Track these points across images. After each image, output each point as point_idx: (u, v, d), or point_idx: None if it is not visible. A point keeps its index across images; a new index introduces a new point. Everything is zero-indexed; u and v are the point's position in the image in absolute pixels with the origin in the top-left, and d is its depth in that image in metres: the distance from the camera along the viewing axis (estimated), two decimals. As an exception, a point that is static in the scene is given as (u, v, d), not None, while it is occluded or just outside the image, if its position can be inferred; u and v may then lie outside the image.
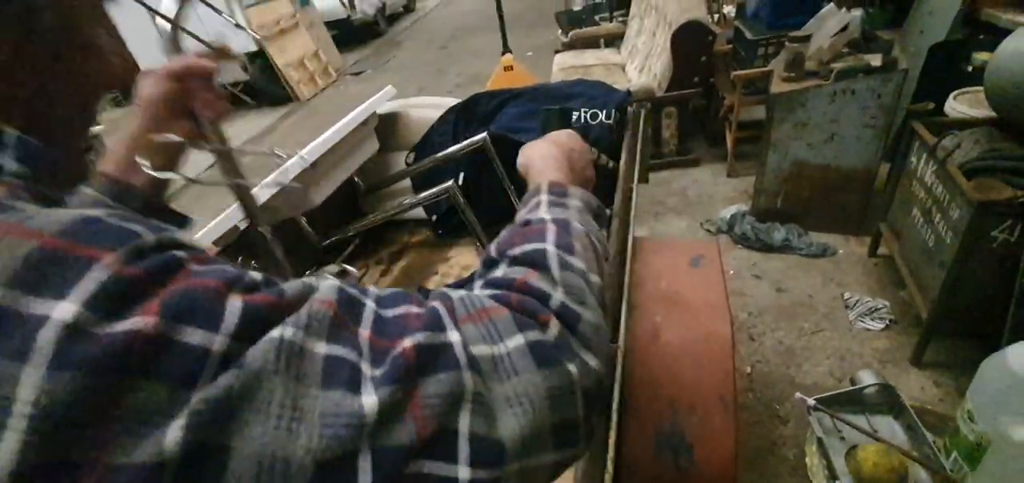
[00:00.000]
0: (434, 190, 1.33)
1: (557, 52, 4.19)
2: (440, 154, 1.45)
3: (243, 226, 1.30)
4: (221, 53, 0.67)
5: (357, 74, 7.55)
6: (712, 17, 3.46)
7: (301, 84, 6.76)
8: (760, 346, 1.93)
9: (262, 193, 1.16)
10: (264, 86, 6.64)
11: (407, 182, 1.65)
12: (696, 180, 3.05)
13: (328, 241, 1.50)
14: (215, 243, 1.27)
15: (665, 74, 2.90)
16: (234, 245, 1.28)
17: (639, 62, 3.40)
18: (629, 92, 1.45)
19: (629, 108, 1.39)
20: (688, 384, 0.81)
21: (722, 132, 3.08)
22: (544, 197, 0.51)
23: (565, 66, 3.72)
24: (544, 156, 0.62)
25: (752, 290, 2.19)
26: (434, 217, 1.63)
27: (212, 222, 1.24)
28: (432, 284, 1.46)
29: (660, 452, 0.77)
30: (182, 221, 0.67)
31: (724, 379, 0.83)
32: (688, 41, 2.77)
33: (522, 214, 0.50)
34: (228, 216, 1.23)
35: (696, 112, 3.34)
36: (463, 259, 1.58)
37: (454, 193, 1.30)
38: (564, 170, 0.60)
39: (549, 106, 1.34)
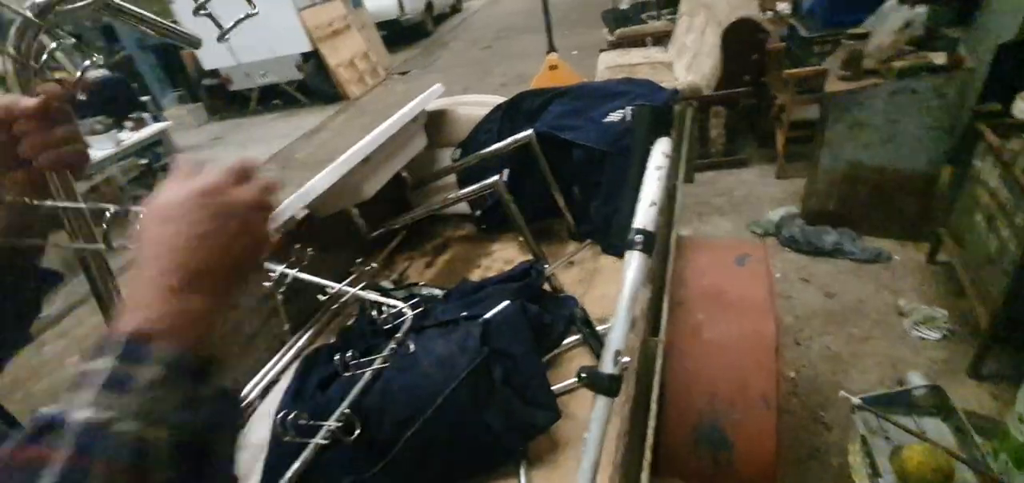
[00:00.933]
0: (479, 185, 1.37)
1: (602, 51, 4.17)
2: (485, 151, 1.50)
3: (300, 216, 1.39)
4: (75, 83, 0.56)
5: (404, 74, 7.74)
6: (764, 14, 3.37)
7: (350, 83, 6.99)
8: (806, 351, 1.88)
9: (321, 182, 1.23)
10: (317, 85, 6.92)
11: (452, 178, 1.71)
12: (743, 181, 2.98)
13: (376, 233, 1.57)
14: (276, 230, 1.36)
15: (714, 73, 2.85)
16: (294, 232, 1.37)
17: (687, 60, 3.35)
18: (676, 90, 1.45)
19: (675, 106, 1.39)
20: (729, 381, 0.82)
21: (772, 132, 3.00)
22: (103, 364, 0.35)
23: (610, 65, 3.70)
24: (158, 240, 0.41)
25: (799, 294, 2.14)
26: (478, 212, 1.67)
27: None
28: (475, 276, 1.51)
29: (698, 445, 0.78)
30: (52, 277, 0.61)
31: (767, 378, 0.83)
32: (739, 39, 2.72)
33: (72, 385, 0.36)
34: (287, 206, 1.32)
35: (745, 112, 3.27)
36: (506, 254, 1.62)
37: (500, 188, 1.34)
38: (185, 269, 0.40)
39: (642, 102, 1.34)
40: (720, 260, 1.06)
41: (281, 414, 0.92)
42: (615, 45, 4.23)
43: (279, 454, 0.92)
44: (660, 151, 1.01)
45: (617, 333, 0.59)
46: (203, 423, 0.38)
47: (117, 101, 4.61)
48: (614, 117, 1.40)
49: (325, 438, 0.89)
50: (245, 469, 0.95)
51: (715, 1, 3.05)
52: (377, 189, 1.41)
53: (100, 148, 3.97)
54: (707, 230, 2.67)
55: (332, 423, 0.88)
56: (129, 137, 4.21)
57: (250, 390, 1.25)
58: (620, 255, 1.41)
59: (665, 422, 0.74)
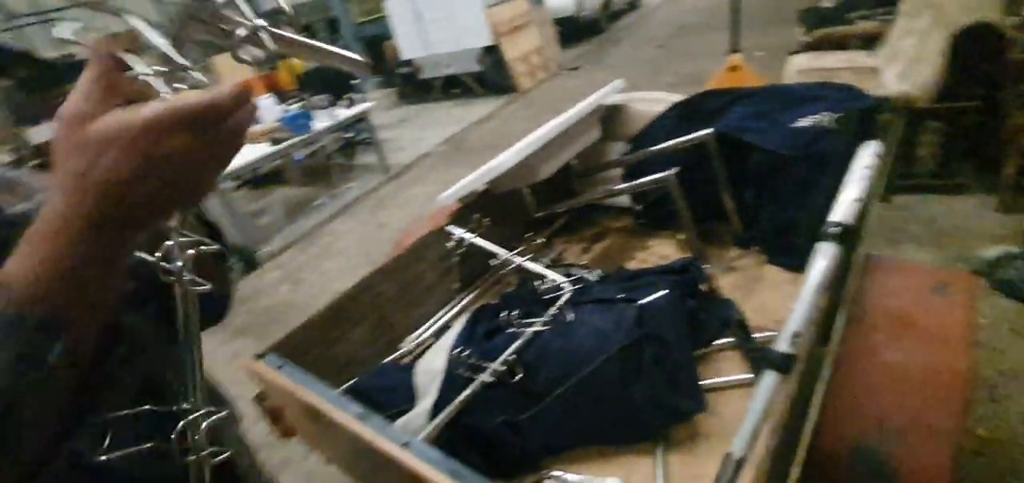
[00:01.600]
0: (650, 178, 1.41)
1: (792, 54, 3.82)
2: (658, 147, 1.53)
3: (481, 189, 1.58)
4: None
5: (573, 70, 7.92)
6: (1008, 19, 2.78)
7: (523, 77, 7.39)
8: (1003, 411, 1.58)
9: (505, 161, 1.38)
10: (492, 77, 7.45)
11: (617, 171, 1.77)
12: (954, 210, 2.53)
13: (541, 213, 1.70)
14: (460, 201, 1.57)
15: (933, 82, 2.45)
16: (473, 204, 1.56)
17: (900, 67, 2.91)
18: (885, 98, 1.32)
19: (882, 116, 1.27)
20: (904, 410, 0.76)
21: (999, 157, 2.49)
22: None
23: (803, 69, 3.37)
24: (88, 169, 0.37)
25: (1008, 347, 1.79)
26: (640, 207, 1.71)
27: (458, 184, 1.54)
28: (629, 267, 1.56)
29: (854, 466, 0.74)
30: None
31: (950, 418, 0.75)
32: (972, 47, 2.30)
33: None
34: (473, 180, 1.51)
35: (967, 130, 2.75)
36: (662, 250, 1.64)
37: (672, 183, 1.36)
38: (105, 217, 0.38)
39: (846, 107, 1.28)
40: (914, 285, 0.96)
41: (457, 350, 1.10)
42: (810, 47, 3.83)
43: (451, 383, 1.10)
44: (869, 152, 0.96)
45: (798, 314, 0.61)
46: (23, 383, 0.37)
47: (336, 82, 5.55)
48: (804, 122, 1.32)
49: (491, 376, 1.03)
50: (423, 389, 1.14)
51: (945, 1, 2.61)
52: (551, 173, 1.52)
53: (321, 121, 4.80)
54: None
55: (498, 365, 1.03)
56: (343, 113, 5.02)
57: (425, 330, 1.48)
58: (789, 266, 1.35)
59: (821, 433, 0.72)
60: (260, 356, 1.11)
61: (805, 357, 0.69)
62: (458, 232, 1.37)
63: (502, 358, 1.03)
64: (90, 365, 0.42)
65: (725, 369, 1.15)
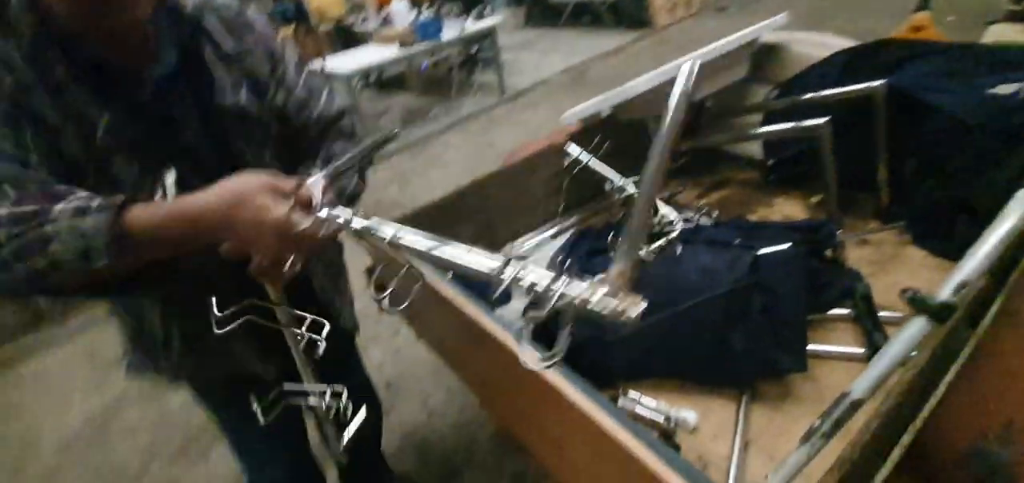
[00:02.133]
0: (797, 124, 1.28)
1: (992, 22, 3.17)
2: (812, 95, 1.36)
3: (605, 114, 1.55)
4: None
5: (721, 9, 7.23)
6: None
7: (662, 11, 6.90)
8: None
9: (636, 86, 1.33)
10: (627, 8, 7.03)
11: (754, 118, 1.63)
12: None
13: (663, 149, 1.63)
14: (581, 121, 1.55)
15: None
16: (594, 127, 1.54)
17: None
18: None
19: None
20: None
21: None
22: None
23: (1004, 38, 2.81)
24: (220, 196, 0.64)
25: None
26: (771, 161, 1.58)
27: (583, 104, 1.51)
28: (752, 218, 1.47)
29: (969, 466, 0.68)
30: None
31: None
32: None
33: None
34: (597, 102, 1.48)
35: None
36: (786, 209, 1.52)
37: (824, 134, 1.23)
38: (205, 231, 0.64)
39: None
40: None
41: (560, 258, 1.13)
42: (1018, 18, 3.15)
43: (548, 288, 1.14)
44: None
45: (971, 265, 0.55)
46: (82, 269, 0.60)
47: (466, -6, 5.61)
48: (1006, 89, 1.12)
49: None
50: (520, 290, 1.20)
51: None
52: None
53: (450, 31, 4.89)
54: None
55: (598, 279, 1.04)
56: (471, 26, 5.07)
57: (526, 241, 1.53)
58: (938, 251, 1.20)
59: (938, 421, 0.66)
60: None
61: (939, 340, 0.62)
62: (576, 151, 1.37)
63: (603, 275, 1.04)
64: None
65: (834, 339, 1.08)
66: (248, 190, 0.63)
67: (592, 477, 0.82)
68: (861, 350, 1.03)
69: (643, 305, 0.46)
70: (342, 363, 1.32)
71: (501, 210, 1.49)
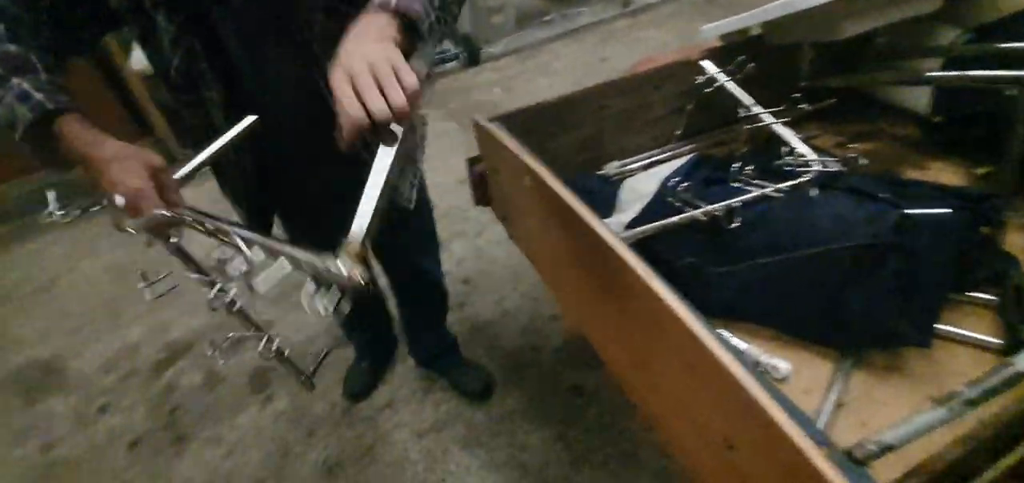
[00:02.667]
0: (987, 74, 1.08)
1: None
2: (1017, 45, 1.13)
3: (754, 32, 1.38)
4: None
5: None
6: None
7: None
8: None
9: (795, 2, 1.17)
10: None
11: (933, 62, 1.38)
12: None
13: (807, 84, 1.45)
14: (722, 39, 1.41)
15: None
16: (738, 45, 1.39)
17: None
18: None
19: None
20: None
21: None
22: None
23: None
24: (115, 149, 0.74)
25: None
26: (938, 118, 1.36)
27: (727, 19, 1.37)
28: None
29: None
30: None
31: None
32: None
33: None
34: (745, 18, 1.33)
35: None
36: (944, 176, 1.31)
37: (1021, 97, 1.03)
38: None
39: None
40: None
41: (674, 181, 1.07)
42: None
43: (656, 207, 1.09)
44: None
45: None
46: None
47: None
48: None
49: (704, 215, 1.00)
50: (624, 204, 1.17)
51: None
52: (854, 33, 1.24)
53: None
54: None
55: (716, 207, 0.98)
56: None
57: (635, 162, 1.46)
58: None
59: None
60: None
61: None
62: (712, 69, 1.25)
63: (725, 203, 0.98)
64: None
65: (967, 324, 0.95)
66: (125, 156, 0.71)
67: (676, 397, 0.81)
68: (997, 341, 0.90)
69: (365, 278, 0.59)
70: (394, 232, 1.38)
71: (613, 124, 1.43)
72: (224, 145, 0.79)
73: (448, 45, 4.55)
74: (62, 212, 3.15)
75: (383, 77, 0.58)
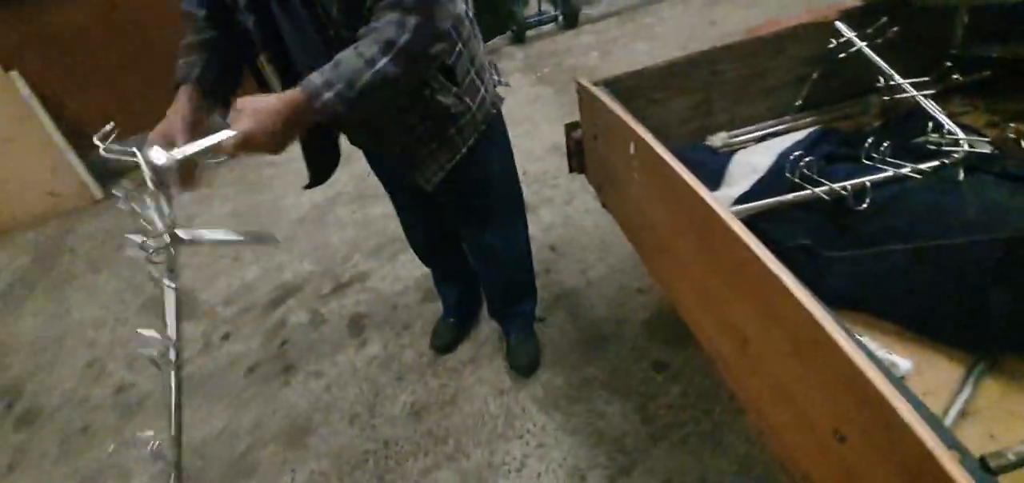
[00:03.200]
0: None
1: None
2: None
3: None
4: None
5: None
6: None
7: None
8: None
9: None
10: None
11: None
12: None
13: (958, 53, 1.27)
14: None
15: None
16: (878, 6, 1.24)
17: None
18: None
19: None
20: None
21: None
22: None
23: None
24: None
25: None
26: None
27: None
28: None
29: None
30: None
31: None
32: None
33: None
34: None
35: None
36: None
37: None
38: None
39: None
40: None
41: (795, 155, 0.99)
42: None
43: (770, 182, 1.02)
44: None
45: None
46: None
47: None
48: None
49: (827, 194, 0.92)
50: (734, 177, 1.10)
51: None
52: None
53: None
54: None
55: (843, 186, 0.90)
56: None
57: (745, 133, 1.37)
58: None
59: None
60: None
61: None
62: (848, 32, 1.13)
63: (853, 181, 0.90)
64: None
65: None
66: (172, 111, 0.99)
67: (780, 382, 0.77)
68: None
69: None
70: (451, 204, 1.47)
71: (725, 91, 1.35)
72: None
73: (546, 6, 4.47)
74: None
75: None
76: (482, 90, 1.17)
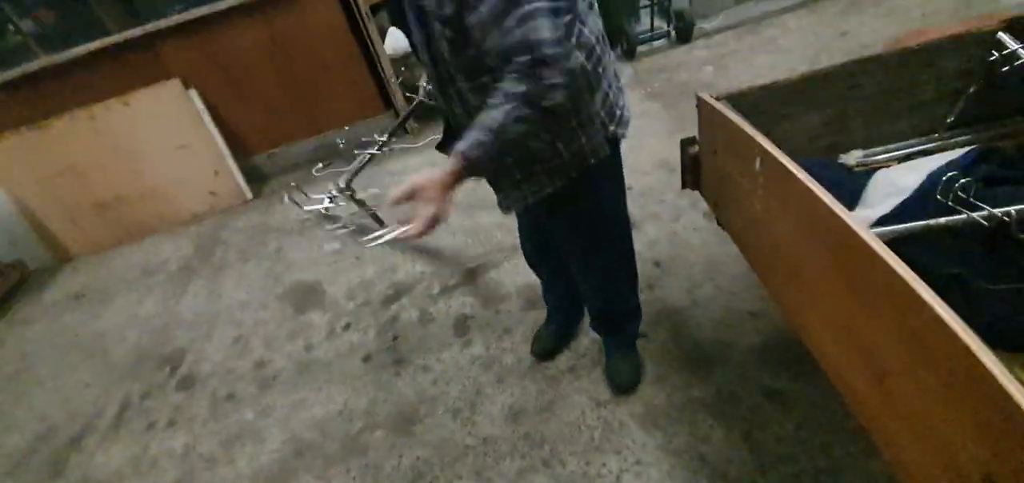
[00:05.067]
0: None
1: None
2: None
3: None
4: None
5: None
6: None
7: None
8: None
9: None
10: None
11: None
12: None
13: None
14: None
15: None
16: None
17: None
18: None
19: None
20: None
21: None
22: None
23: None
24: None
25: None
26: None
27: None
28: None
29: None
30: None
31: None
32: None
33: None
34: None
35: None
36: None
37: None
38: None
39: None
40: None
41: (949, 176, 0.91)
42: None
43: (917, 204, 0.94)
44: None
45: None
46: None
47: None
48: None
49: (986, 219, 0.84)
50: (875, 199, 1.03)
51: None
52: None
53: None
54: None
55: (1011, 210, 0.81)
56: None
57: (884, 153, 1.27)
58: None
59: None
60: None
61: None
62: (1013, 44, 1.01)
63: (1018, 207, 0.80)
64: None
65: None
66: None
67: (922, 419, 0.71)
68: None
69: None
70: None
71: (864, 107, 1.25)
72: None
73: (659, 22, 4.40)
74: (322, 169, 3.95)
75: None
76: (581, 139, 1.16)
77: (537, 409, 1.89)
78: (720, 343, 1.88)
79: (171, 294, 3.23)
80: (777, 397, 1.65)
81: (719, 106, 1.09)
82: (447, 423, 1.93)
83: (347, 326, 2.57)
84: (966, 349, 0.57)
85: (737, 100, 1.13)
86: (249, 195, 4.02)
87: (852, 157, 1.25)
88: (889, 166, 1.16)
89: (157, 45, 3.61)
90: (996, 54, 1.03)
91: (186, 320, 2.96)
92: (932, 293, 0.60)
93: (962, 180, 0.88)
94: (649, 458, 1.63)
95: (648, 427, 1.72)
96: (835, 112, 1.23)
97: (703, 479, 1.51)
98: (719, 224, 1.35)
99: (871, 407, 0.83)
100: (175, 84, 3.70)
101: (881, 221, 0.94)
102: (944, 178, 0.90)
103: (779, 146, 1.28)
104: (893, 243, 0.92)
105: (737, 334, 1.90)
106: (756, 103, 1.18)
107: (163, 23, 3.54)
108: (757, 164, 0.92)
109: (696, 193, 1.44)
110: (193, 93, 3.76)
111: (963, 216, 0.85)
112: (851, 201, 1.04)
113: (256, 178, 4.15)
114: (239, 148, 4.01)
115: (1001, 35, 1.04)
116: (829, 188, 1.10)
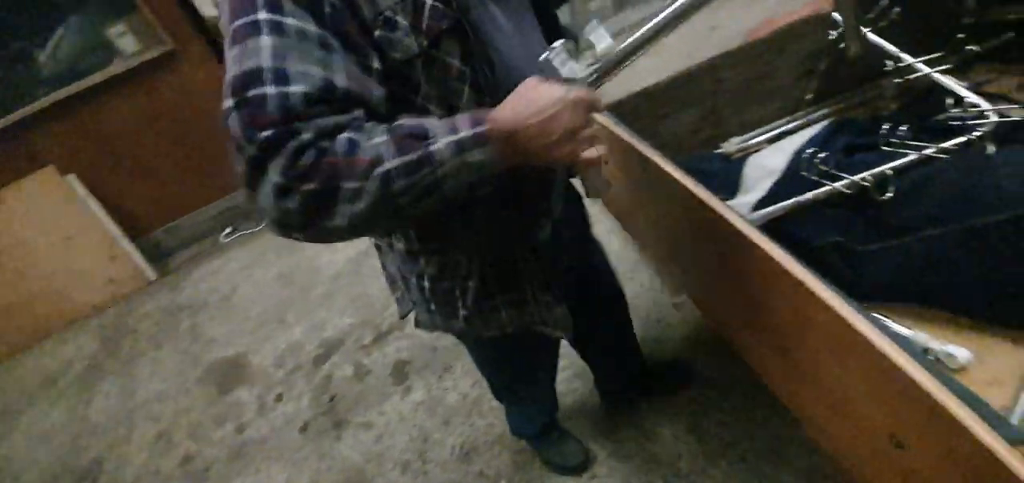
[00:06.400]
0: None
1: None
2: None
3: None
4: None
5: None
6: None
7: None
8: None
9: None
10: None
11: None
12: None
13: (974, 20, 1.23)
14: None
15: None
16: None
17: None
18: None
19: None
20: None
21: None
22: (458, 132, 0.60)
23: None
24: (525, 104, 0.62)
25: None
26: None
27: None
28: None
29: None
30: None
31: None
32: None
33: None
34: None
35: None
36: None
37: None
38: (516, 133, 0.61)
39: None
40: None
41: (809, 153, 0.98)
42: None
43: (788, 183, 1.01)
44: None
45: None
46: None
47: None
48: None
49: (848, 188, 0.90)
50: (750, 183, 1.09)
51: None
52: None
53: None
54: None
55: (864, 177, 0.88)
56: None
57: (757, 135, 1.35)
58: None
59: None
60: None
61: None
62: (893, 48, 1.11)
63: (874, 171, 0.88)
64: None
65: None
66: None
67: (829, 390, 0.75)
68: None
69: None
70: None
71: (732, 97, 1.34)
72: None
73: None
74: (231, 234, 3.72)
75: None
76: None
77: (487, 444, 1.85)
78: (652, 341, 1.93)
79: (79, 399, 2.91)
80: (715, 384, 1.71)
81: (601, 118, 1.12)
82: (397, 478, 1.85)
83: (279, 397, 2.41)
84: (839, 317, 0.60)
85: (616, 109, 1.18)
86: (152, 276, 3.70)
87: (731, 144, 1.33)
88: (760, 149, 1.24)
89: (25, 133, 3.28)
90: (834, 33, 1.13)
91: (99, 425, 2.67)
92: (801, 266, 0.63)
93: (821, 154, 0.95)
94: (602, 470, 1.63)
95: (597, 437, 1.72)
96: (707, 106, 1.31)
97: (657, 478, 1.53)
98: (627, 232, 1.39)
99: (785, 383, 0.87)
100: (50, 172, 3.36)
101: (760, 203, 1.00)
102: (805, 155, 0.97)
103: (665, 146, 1.34)
104: (773, 223, 0.98)
105: (667, 328, 1.95)
106: (635, 108, 1.23)
107: (28, 110, 3.21)
108: (640, 168, 0.95)
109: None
110: (71, 178, 3.43)
111: (827, 187, 0.92)
112: (732, 189, 1.10)
113: (158, 256, 3.84)
114: (134, 227, 3.68)
115: (835, 14, 1.15)
116: (710, 179, 1.16)
